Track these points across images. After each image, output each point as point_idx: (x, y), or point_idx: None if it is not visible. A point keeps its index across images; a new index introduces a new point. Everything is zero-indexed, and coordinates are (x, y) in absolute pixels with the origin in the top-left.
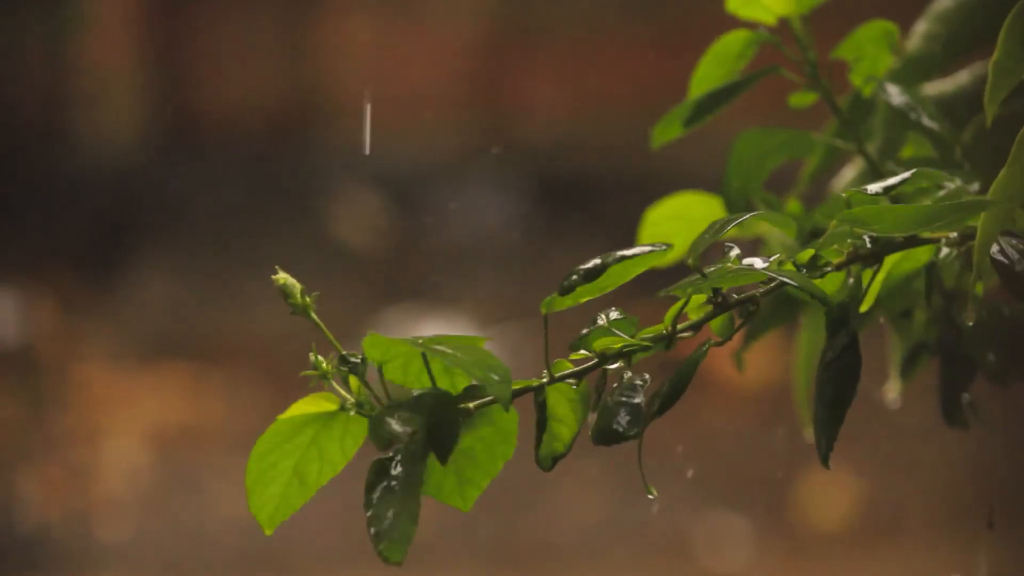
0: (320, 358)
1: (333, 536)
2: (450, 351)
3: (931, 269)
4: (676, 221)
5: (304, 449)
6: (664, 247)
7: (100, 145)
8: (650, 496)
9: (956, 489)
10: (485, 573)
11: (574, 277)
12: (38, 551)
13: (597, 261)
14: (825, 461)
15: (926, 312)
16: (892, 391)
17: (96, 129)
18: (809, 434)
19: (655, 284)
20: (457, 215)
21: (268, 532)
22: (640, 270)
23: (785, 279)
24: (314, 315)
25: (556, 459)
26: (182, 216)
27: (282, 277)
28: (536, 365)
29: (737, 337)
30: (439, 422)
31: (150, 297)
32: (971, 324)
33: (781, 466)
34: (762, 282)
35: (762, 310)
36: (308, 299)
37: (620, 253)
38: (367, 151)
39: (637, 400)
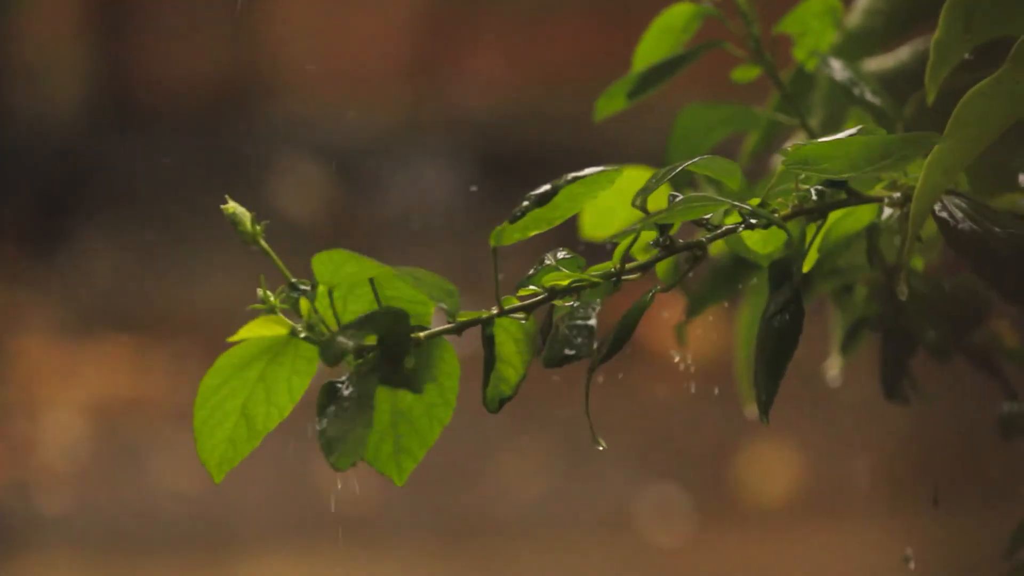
0: (268, 292)
1: (275, 510)
2: (403, 269)
3: (873, 231)
4: (619, 195)
5: (252, 385)
6: (616, 168)
7: (41, 117)
8: (599, 447)
9: (898, 464)
10: (429, 547)
11: (525, 203)
12: None
13: (548, 186)
14: (765, 415)
15: (866, 288)
16: (833, 367)
17: (37, 101)
18: (750, 411)
19: (602, 258)
20: (400, 188)
21: (217, 479)
22: (590, 198)
23: (746, 208)
24: (264, 243)
25: (503, 401)
26: (124, 189)
27: (231, 206)
28: (478, 336)
29: (679, 311)
30: (391, 335)
31: (92, 270)
32: (905, 298)
33: (723, 441)
34: (707, 229)
35: (704, 283)
36: (258, 227)
37: (571, 175)
38: (310, 124)
39: (591, 321)
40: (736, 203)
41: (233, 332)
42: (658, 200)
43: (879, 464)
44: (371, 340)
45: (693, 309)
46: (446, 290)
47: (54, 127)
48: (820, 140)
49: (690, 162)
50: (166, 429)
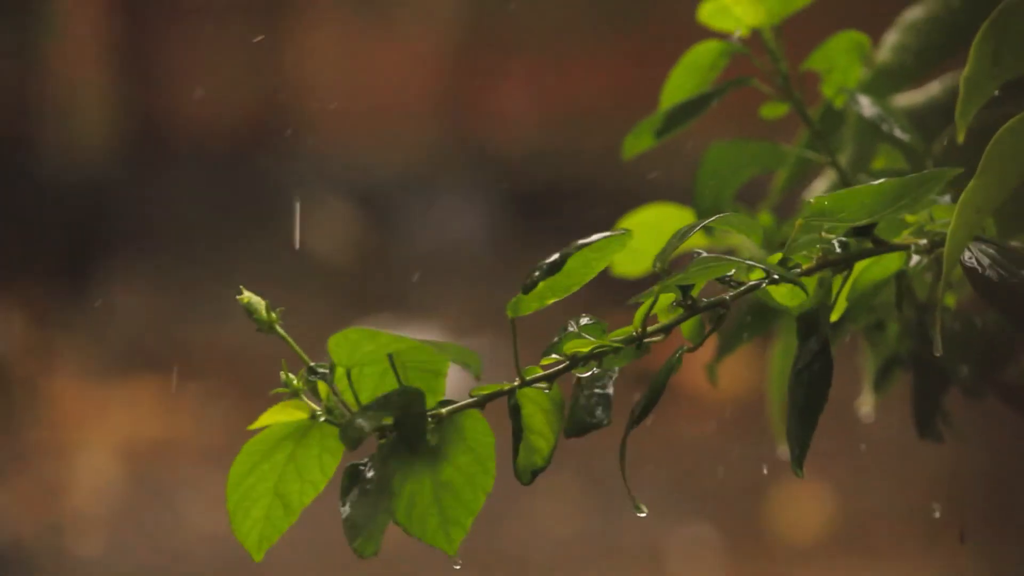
0: (291, 375)
1: (305, 549)
2: (418, 342)
3: (901, 277)
4: (648, 233)
5: (282, 468)
6: (624, 232)
7: (71, 156)
8: (640, 514)
9: (929, 502)
10: None
11: (536, 273)
12: (10, 565)
13: (557, 255)
14: (798, 468)
15: (898, 324)
16: (865, 404)
17: (67, 139)
18: (784, 450)
19: (629, 296)
20: (428, 225)
21: (257, 558)
22: (604, 263)
23: (762, 266)
24: (280, 330)
25: (536, 473)
26: (152, 227)
27: (246, 296)
28: (507, 375)
29: (710, 350)
30: (407, 416)
31: (121, 309)
32: (939, 335)
33: (755, 479)
34: (731, 286)
35: (735, 322)
36: (274, 315)
37: (580, 242)
38: (337, 161)
39: (608, 391)
40: (756, 263)
41: (260, 373)
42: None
43: (911, 501)
44: (388, 421)
45: (724, 348)
46: (468, 357)
47: (83, 165)
48: (834, 192)
49: (712, 219)
50: (196, 470)
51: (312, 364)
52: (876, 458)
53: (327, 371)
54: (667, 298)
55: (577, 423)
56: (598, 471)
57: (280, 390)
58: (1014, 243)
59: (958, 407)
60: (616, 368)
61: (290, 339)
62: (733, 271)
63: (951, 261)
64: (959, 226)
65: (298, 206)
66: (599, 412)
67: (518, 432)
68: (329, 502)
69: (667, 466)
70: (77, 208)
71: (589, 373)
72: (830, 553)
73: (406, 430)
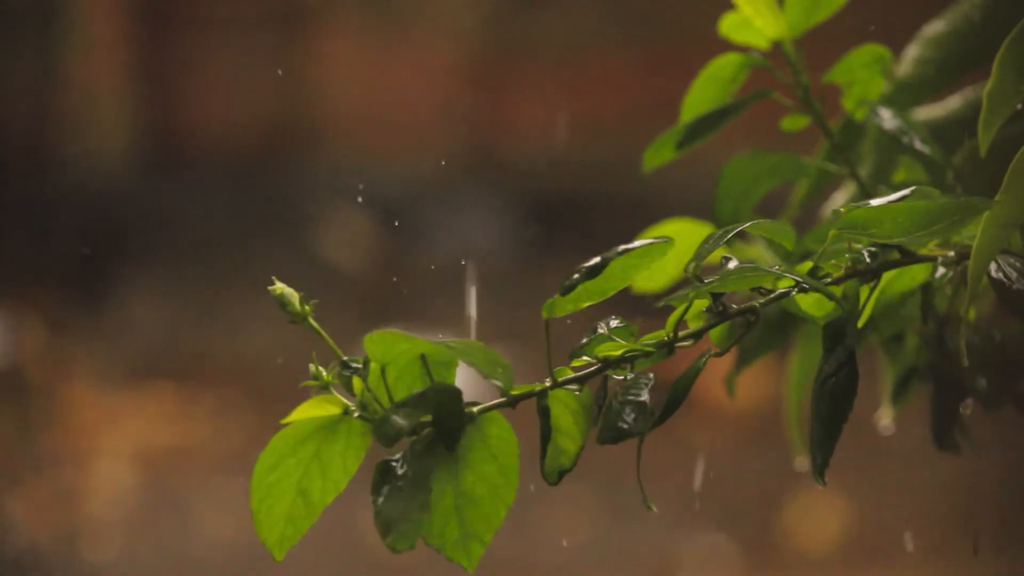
0: (321, 368)
1: (319, 556)
2: (454, 345)
3: (927, 288)
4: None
5: (307, 464)
6: (667, 239)
7: (88, 166)
8: (651, 510)
9: (946, 514)
10: None
11: (576, 276)
12: (26, 572)
13: (598, 258)
14: (820, 477)
15: (917, 337)
16: (884, 417)
17: (85, 150)
18: (800, 461)
19: (650, 309)
20: (445, 235)
21: (278, 557)
22: (642, 270)
23: (796, 277)
24: (313, 322)
25: (563, 473)
26: (170, 237)
27: (279, 287)
28: (528, 382)
29: (729, 362)
30: (445, 413)
31: (137, 318)
32: (955, 342)
33: (770, 489)
34: (761, 293)
35: (754, 335)
36: (307, 307)
37: (622, 247)
38: (354, 171)
39: (643, 398)
40: (787, 272)
41: (274, 380)
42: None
43: (929, 512)
44: (426, 418)
45: (743, 360)
46: (498, 364)
47: (101, 175)
48: (871, 204)
49: (746, 224)
50: (210, 477)
51: (345, 358)
52: (893, 469)
53: (360, 366)
54: (699, 304)
55: (612, 429)
56: (613, 480)
57: (309, 383)
58: None
59: (976, 419)
60: (652, 376)
61: (323, 331)
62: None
63: (976, 276)
64: (984, 242)
65: (315, 216)
66: (635, 419)
67: (546, 433)
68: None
69: (682, 476)
70: (94, 218)
71: (623, 378)
72: (845, 564)
73: (443, 429)
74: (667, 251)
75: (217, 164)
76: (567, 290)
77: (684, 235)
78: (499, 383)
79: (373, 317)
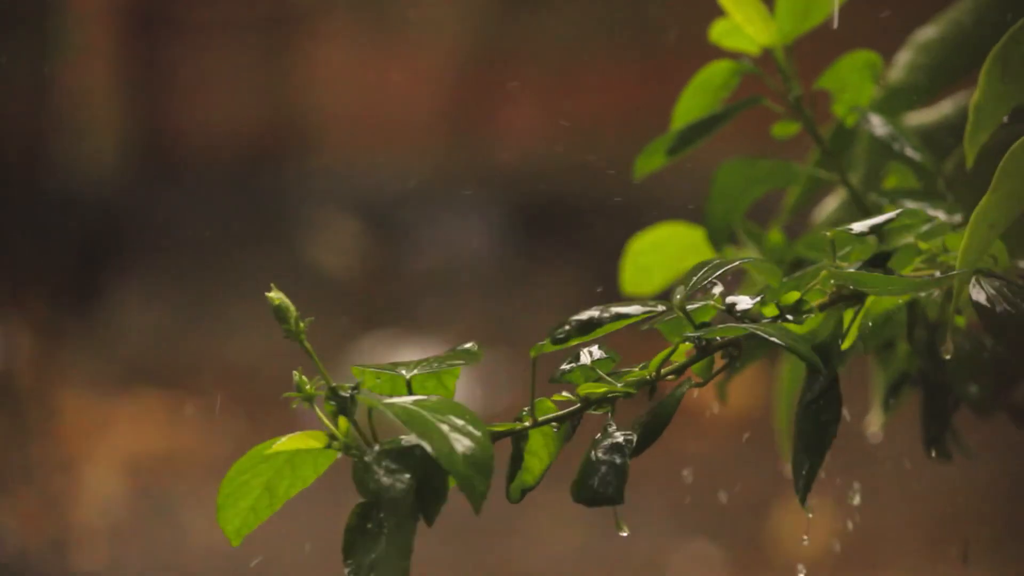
0: (304, 378)
1: (307, 563)
2: (429, 419)
3: (912, 306)
4: (658, 252)
5: (278, 467)
6: (661, 309)
7: (79, 171)
8: (622, 533)
9: (936, 520)
10: None
11: (567, 327)
12: None
13: (593, 314)
14: (803, 501)
15: (908, 344)
16: (874, 423)
17: (76, 155)
18: (788, 468)
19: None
20: (436, 240)
21: (235, 543)
22: (632, 321)
23: (772, 338)
24: (307, 343)
25: (525, 491)
26: (160, 243)
27: (277, 297)
28: (512, 391)
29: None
30: (428, 479)
31: (128, 324)
32: (950, 357)
33: (759, 495)
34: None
35: (744, 342)
36: (302, 324)
37: (617, 311)
38: (345, 176)
39: (620, 461)
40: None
41: (265, 387)
42: (701, 253)
43: (918, 519)
44: (410, 483)
45: (734, 368)
46: (468, 355)
47: (92, 181)
48: (866, 275)
49: (737, 263)
50: (201, 485)
51: (334, 385)
52: (883, 475)
53: (347, 396)
54: (685, 346)
55: (588, 492)
56: None
57: (292, 394)
58: (1022, 263)
59: (967, 426)
60: (633, 436)
61: (313, 353)
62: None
63: (963, 276)
64: (972, 241)
65: (307, 221)
66: (613, 487)
67: (517, 459)
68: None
69: (671, 482)
70: (86, 223)
71: (603, 430)
72: (834, 571)
73: (424, 500)
74: (651, 288)
75: (209, 169)
76: (557, 341)
77: (676, 239)
78: (473, 359)
79: (363, 323)
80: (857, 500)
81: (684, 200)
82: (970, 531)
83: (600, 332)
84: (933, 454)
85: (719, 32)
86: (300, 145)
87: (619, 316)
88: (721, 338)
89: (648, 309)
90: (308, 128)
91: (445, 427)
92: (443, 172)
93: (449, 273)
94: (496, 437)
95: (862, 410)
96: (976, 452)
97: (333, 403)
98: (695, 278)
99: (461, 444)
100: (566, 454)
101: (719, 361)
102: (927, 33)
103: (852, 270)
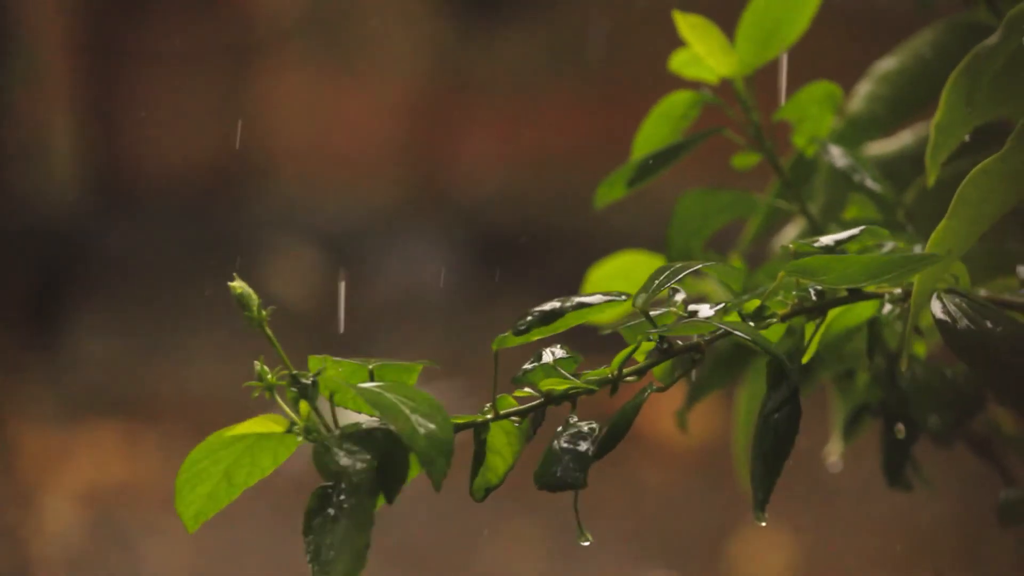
0: (265, 368)
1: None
2: (393, 400)
3: (874, 324)
4: (619, 280)
5: (238, 455)
6: (623, 296)
7: (36, 202)
8: (584, 543)
9: (897, 550)
10: None
11: (529, 318)
12: None
13: (556, 304)
14: (761, 512)
15: (868, 373)
16: (833, 452)
17: (32, 186)
18: (747, 493)
19: (589, 338)
20: (393, 271)
21: (191, 529)
22: (595, 315)
23: (734, 331)
24: (268, 330)
25: (489, 490)
26: (117, 273)
27: (239, 285)
28: (474, 412)
29: (678, 397)
30: (389, 459)
31: (86, 354)
32: (905, 379)
33: (718, 525)
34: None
35: (704, 370)
36: (264, 312)
37: (579, 299)
38: (303, 206)
39: (584, 448)
40: (724, 325)
41: (222, 417)
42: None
43: (877, 550)
44: (372, 464)
45: (694, 395)
46: (435, 441)
47: (48, 212)
48: (821, 245)
49: (697, 266)
50: (159, 515)
51: (295, 372)
52: (842, 505)
53: (308, 384)
54: (647, 345)
55: (550, 477)
56: (562, 513)
57: (252, 383)
58: (984, 290)
59: (927, 456)
60: (596, 426)
61: (275, 341)
62: (713, 312)
63: (919, 301)
64: (927, 271)
65: (264, 251)
66: (574, 471)
67: (480, 456)
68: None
69: (631, 511)
70: (43, 254)
71: (565, 422)
72: None
73: (386, 479)
74: (620, 307)
75: (166, 199)
76: (519, 332)
77: (637, 267)
78: (430, 476)
79: (319, 351)
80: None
81: (645, 229)
82: (932, 562)
83: (562, 324)
84: (893, 484)
85: (679, 62)
86: (257, 175)
87: (581, 305)
88: (683, 341)
89: (611, 298)
90: (265, 158)
91: (408, 409)
92: (400, 202)
93: (407, 304)
94: (457, 429)
95: (822, 440)
96: (935, 482)
97: (295, 389)
98: (657, 281)
99: (424, 426)
100: (523, 473)
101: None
102: (888, 64)
103: (812, 256)
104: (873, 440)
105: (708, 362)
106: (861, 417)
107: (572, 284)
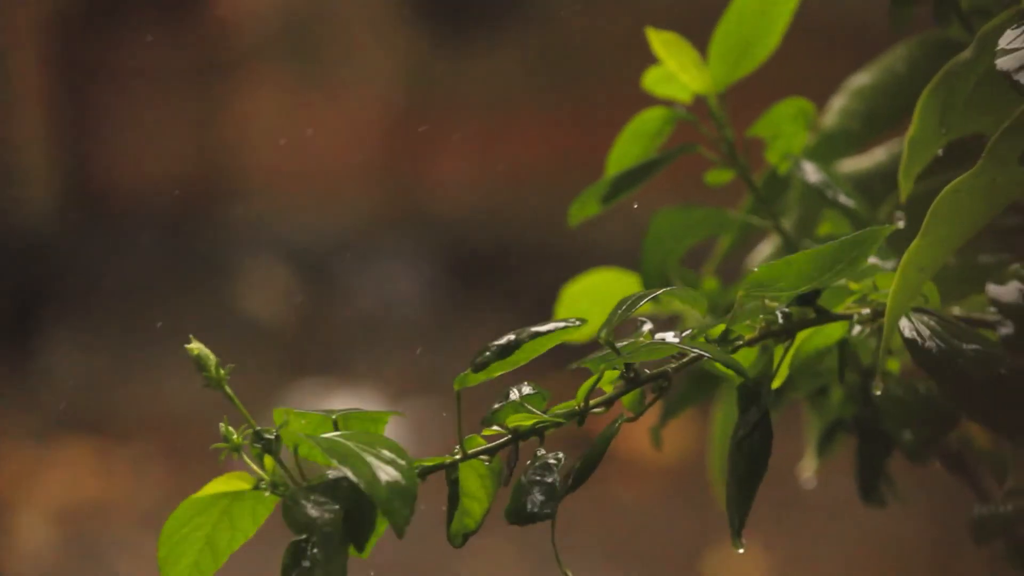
0: (231, 429)
1: None
2: (354, 448)
3: (843, 346)
4: (592, 298)
5: (216, 520)
6: (577, 323)
7: (9, 219)
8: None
9: (871, 567)
10: None
11: (487, 353)
12: None
13: (511, 337)
14: (738, 539)
15: (842, 390)
16: (808, 469)
17: (5, 203)
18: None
19: (568, 358)
20: (367, 289)
21: None
22: (553, 344)
23: (698, 351)
24: (228, 389)
25: (467, 536)
26: (90, 290)
27: (196, 347)
28: (444, 440)
29: (653, 414)
30: (356, 508)
31: (58, 371)
32: (879, 395)
33: (693, 544)
34: (674, 357)
35: (678, 387)
36: (223, 372)
37: (533, 329)
38: (277, 223)
39: (551, 479)
40: (690, 347)
41: (196, 435)
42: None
43: (852, 566)
44: (338, 516)
45: (668, 413)
46: (397, 490)
47: (21, 229)
48: (768, 263)
49: (659, 292)
50: (131, 532)
51: (258, 428)
52: (816, 522)
53: (272, 438)
54: (611, 373)
55: (520, 511)
56: (533, 535)
57: (220, 445)
58: (955, 308)
59: (901, 472)
60: (561, 456)
61: (236, 399)
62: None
63: (892, 320)
64: (901, 285)
65: (237, 269)
66: (543, 504)
67: (454, 501)
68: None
69: (606, 528)
70: (15, 271)
71: (533, 456)
72: None
73: (353, 529)
74: (579, 332)
75: (140, 217)
76: (478, 368)
77: (611, 285)
78: (393, 525)
79: (294, 371)
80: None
81: (619, 246)
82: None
83: (521, 356)
84: (868, 501)
85: (653, 79)
86: (231, 193)
87: (536, 335)
88: (650, 370)
89: (565, 325)
90: (239, 176)
91: (370, 457)
92: (374, 220)
93: (380, 322)
94: (426, 472)
95: (797, 456)
96: (910, 498)
97: (258, 445)
98: (620, 311)
99: (385, 473)
100: (499, 497)
101: (650, 399)
102: (861, 79)
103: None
104: (847, 456)
105: (682, 379)
106: (835, 433)
107: (546, 301)
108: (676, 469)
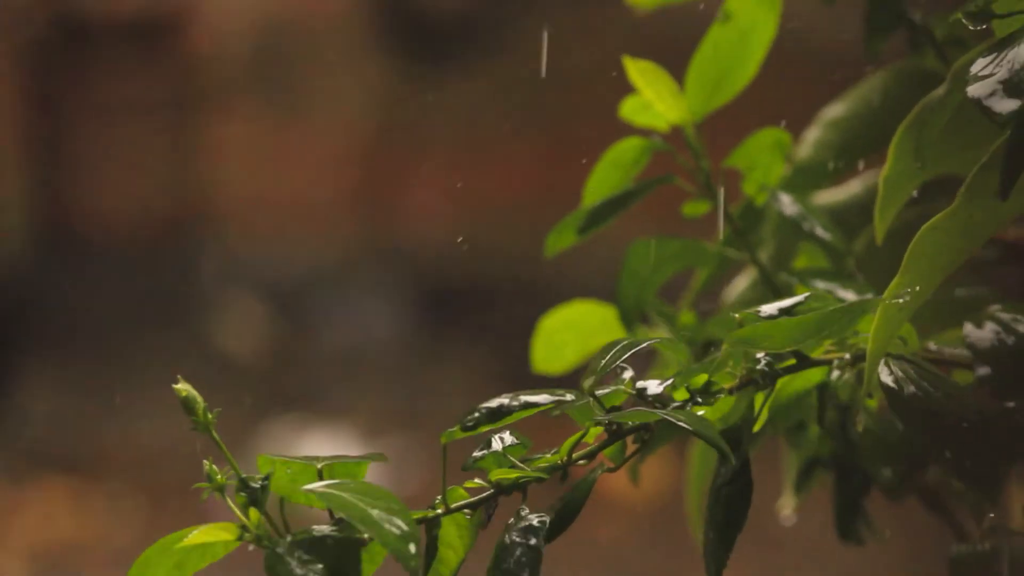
0: (214, 468)
1: None
2: (351, 500)
3: (823, 388)
4: (570, 330)
5: (189, 550)
6: (570, 399)
7: None
8: None
9: None
10: None
11: (477, 415)
12: None
13: (503, 402)
14: None
15: (820, 426)
16: (787, 506)
17: None
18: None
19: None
20: (342, 323)
21: None
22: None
23: (681, 423)
24: (215, 434)
25: None
26: (64, 327)
27: (183, 388)
28: (421, 476)
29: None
30: (340, 566)
31: (32, 409)
32: (861, 432)
33: None
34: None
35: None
36: (211, 416)
37: (526, 399)
38: (251, 257)
39: (534, 542)
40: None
41: (172, 473)
42: (613, 331)
43: None
44: (324, 573)
45: (646, 449)
46: (402, 535)
47: None
48: (758, 322)
49: (648, 343)
50: (106, 573)
51: (244, 476)
52: (794, 558)
53: (257, 487)
54: (596, 430)
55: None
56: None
57: (203, 485)
58: (931, 343)
59: (879, 509)
60: (546, 518)
61: (222, 444)
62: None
63: (874, 360)
64: (882, 324)
65: (212, 303)
66: (526, 568)
67: (432, 552)
68: None
69: (583, 570)
70: None
71: (516, 514)
72: None
73: None
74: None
75: (114, 251)
76: (467, 428)
77: (588, 317)
78: (406, 567)
79: (269, 407)
80: None
81: (595, 279)
82: None
83: (510, 419)
84: (845, 538)
85: (630, 109)
86: (205, 227)
87: (528, 405)
88: (632, 423)
89: (556, 398)
90: (213, 209)
91: (369, 508)
92: (349, 254)
93: (356, 356)
94: None
95: (775, 492)
96: (887, 536)
97: (244, 494)
98: (604, 360)
99: (390, 523)
100: (484, 546)
101: (631, 446)
102: (836, 110)
103: (751, 325)
104: (825, 493)
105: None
106: (813, 470)
107: (522, 335)
108: (653, 507)
